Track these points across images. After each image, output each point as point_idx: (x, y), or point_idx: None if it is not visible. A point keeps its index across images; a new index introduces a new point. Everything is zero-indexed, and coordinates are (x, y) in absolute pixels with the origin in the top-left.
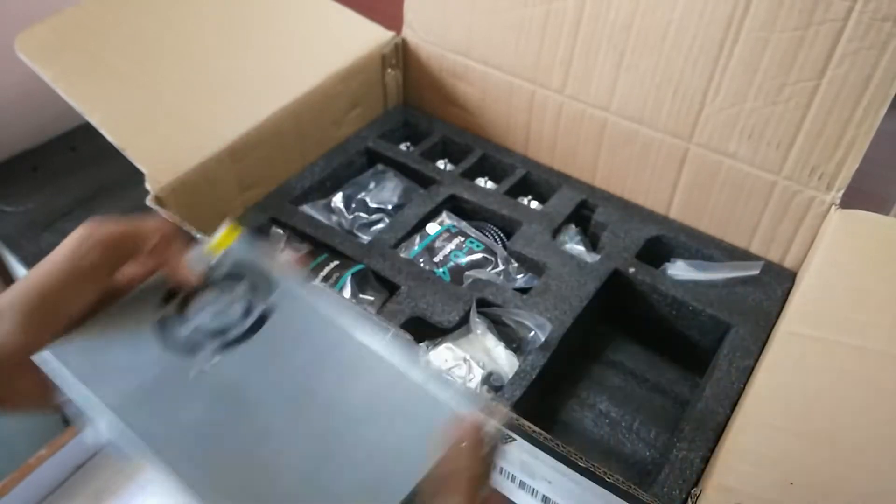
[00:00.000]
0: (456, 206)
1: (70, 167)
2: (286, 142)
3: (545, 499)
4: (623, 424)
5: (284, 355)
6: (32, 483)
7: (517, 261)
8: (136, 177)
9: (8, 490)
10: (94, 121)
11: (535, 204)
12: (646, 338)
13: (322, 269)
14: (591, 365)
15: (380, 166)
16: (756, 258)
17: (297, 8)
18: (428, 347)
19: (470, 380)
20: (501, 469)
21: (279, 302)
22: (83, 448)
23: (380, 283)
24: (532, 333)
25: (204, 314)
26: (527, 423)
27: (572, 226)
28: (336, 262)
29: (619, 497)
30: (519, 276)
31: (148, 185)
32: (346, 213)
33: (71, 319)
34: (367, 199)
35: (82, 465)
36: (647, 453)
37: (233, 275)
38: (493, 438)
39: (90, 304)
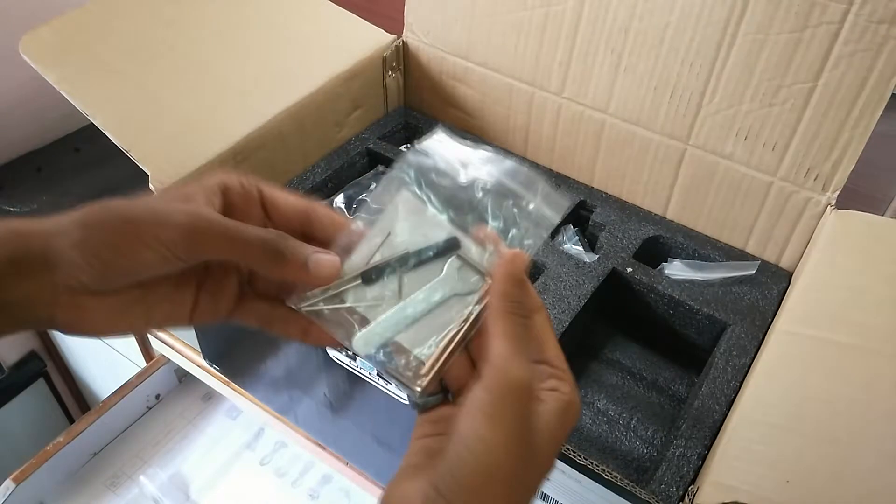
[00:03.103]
0: None
1: (74, 168)
2: (288, 143)
3: (545, 496)
4: (621, 422)
5: None
6: (50, 469)
7: None
8: (140, 178)
9: (27, 475)
10: (98, 122)
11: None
12: (643, 337)
13: None
14: (589, 363)
15: (381, 167)
16: (752, 258)
17: (298, 11)
18: None
19: None
20: None
21: None
22: (99, 436)
23: None
24: None
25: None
26: None
27: (570, 226)
28: None
29: (617, 494)
30: None
31: (151, 186)
32: (347, 214)
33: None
34: (369, 200)
35: (98, 453)
36: (645, 451)
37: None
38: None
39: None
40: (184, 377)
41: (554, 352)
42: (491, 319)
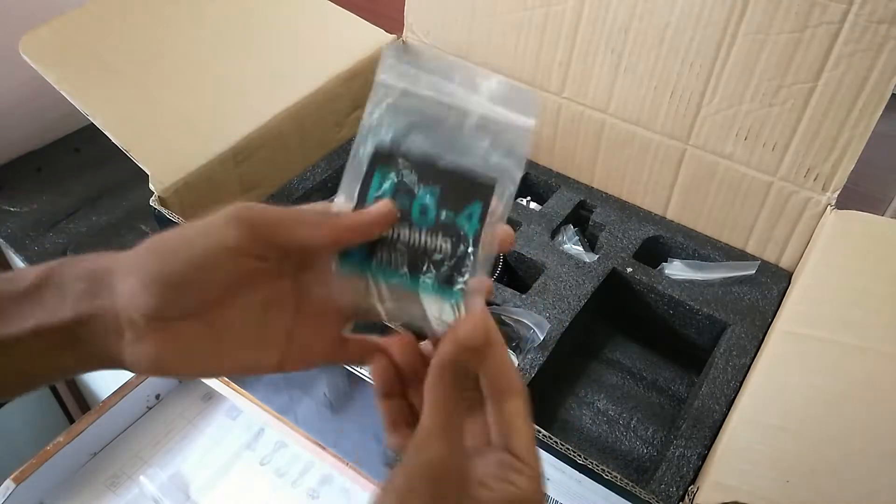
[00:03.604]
0: None
1: (74, 168)
2: (288, 143)
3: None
4: (621, 422)
5: None
6: (49, 469)
7: (516, 261)
8: (140, 178)
9: (27, 475)
10: (99, 122)
11: (533, 205)
12: (643, 336)
13: None
14: (590, 363)
15: None
16: (752, 258)
17: (299, 11)
18: None
19: None
20: None
21: None
22: (99, 436)
23: None
24: (531, 332)
25: None
26: None
27: (571, 226)
28: None
29: (617, 494)
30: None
31: (152, 186)
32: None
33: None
34: None
35: (98, 453)
36: (645, 451)
37: None
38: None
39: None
40: None
41: (524, 443)
42: (427, 385)
